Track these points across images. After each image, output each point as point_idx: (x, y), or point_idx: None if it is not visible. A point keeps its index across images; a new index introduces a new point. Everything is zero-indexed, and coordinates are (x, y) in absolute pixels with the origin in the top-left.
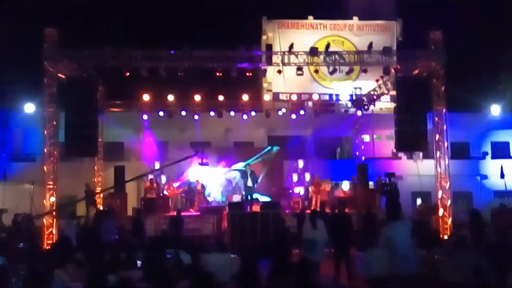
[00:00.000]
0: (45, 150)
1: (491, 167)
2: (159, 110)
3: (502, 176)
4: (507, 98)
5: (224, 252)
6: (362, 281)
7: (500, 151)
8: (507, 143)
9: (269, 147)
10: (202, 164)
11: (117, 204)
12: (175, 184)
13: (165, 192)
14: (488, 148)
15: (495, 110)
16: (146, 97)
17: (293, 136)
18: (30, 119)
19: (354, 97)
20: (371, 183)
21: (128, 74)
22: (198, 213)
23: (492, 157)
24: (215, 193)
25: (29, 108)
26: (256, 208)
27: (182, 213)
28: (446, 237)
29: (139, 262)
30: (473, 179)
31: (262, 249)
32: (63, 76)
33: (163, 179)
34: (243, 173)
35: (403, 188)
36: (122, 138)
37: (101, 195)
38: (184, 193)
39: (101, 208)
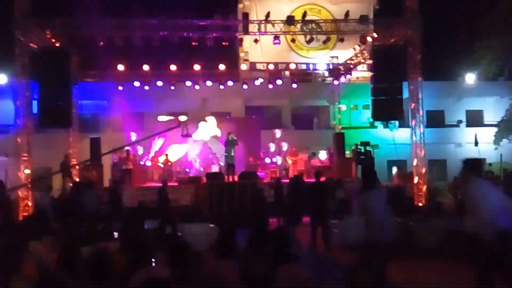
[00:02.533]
0: (18, 121)
1: (465, 135)
2: (135, 80)
3: (476, 144)
4: (482, 67)
5: (203, 222)
6: (339, 249)
7: (474, 119)
8: (481, 111)
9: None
10: (186, 135)
11: (94, 175)
12: (161, 158)
13: (148, 163)
14: (463, 116)
15: (470, 78)
16: (120, 67)
17: (270, 106)
18: (2, 90)
19: (331, 67)
20: (348, 152)
21: (101, 43)
22: (176, 184)
23: (467, 125)
24: (192, 164)
25: (1, 79)
26: (233, 178)
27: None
28: (420, 204)
29: (116, 233)
30: (448, 147)
31: (240, 219)
32: (35, 46)
33: (140, 150)
34: (229, 142)
35: (379, 157)
36: (97, 109)
37: (77, 167)
38: (163, 164)
39: (78, 180)
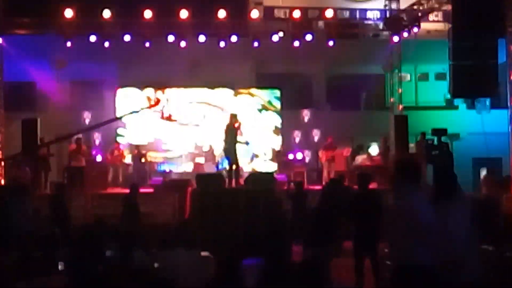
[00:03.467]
0: None
1: None
2: (89, 33)
3: None
4: None
5: (191, 248)
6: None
7: None
8: None
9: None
10: (167, 119)
11: (28, 176)
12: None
13: (99, 158)
14: None
15: None
16: (69, 13)
17: (294, 74)
18: None
19: (388, 15)
20: (412, 145)
21: None
22: (151, 190)
23: None
24: (176, 159)
25: None
26: (238, 182)
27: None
28: None
29: (61, 264)
30: None
31: (248, 244)
32: None
33: (97, 139)
34: (229, 128)
35: (460, 153)
36: (34, 76)
37: (2, 164)
38: (132, 160)
39: (3, 183)
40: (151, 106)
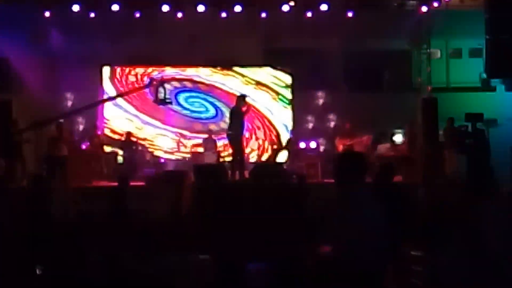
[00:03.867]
0: None
1: None
2: (72, 2)
3: None
4: None
5: (188, 250)
6: None
7: None
8: None
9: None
10: (162, 101)
11: (2, 167)
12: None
13: (84, 146)
14: None
15: None
16: None
17: (307, 49)
18: None
19: None
20: (442, 132)
21: None
22: (142, 183)
23: None
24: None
25: None
26: (242, 174)
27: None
28: None
29: (39, 268)
30: None
31: (254, 246)
32: None
33: (81, 125)
34: (236, 111)
35: (497, 141)
36: (8, 51)
37: None
38: (120, 149)
39: None
40: (143, 87)
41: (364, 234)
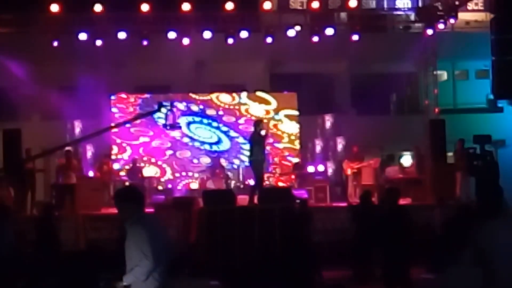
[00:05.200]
0: None
1: None
2: (79, 30)
3: None
4: None
5: (198, 276)
6: None
7: None
8: None
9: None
10: (171, 127)
11: (10, 195)
12: (116, 166)
13: (90, 173)
14: None
15: None
16: (55, 8)
17: (314, 73)
18: None
19: (420, 4)
20: (450, 154)
21: None
22: (152, 210)
23: None
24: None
25: None
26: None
27: None
28: None
29: None
30: None
31: (263, 270)
32: None
33: (89, 152)
34: (256, 137)
35: (506, 162)
36: (17, 80)
37: None
38: (127, 176)
39: None
40: (153, 112)
41: None
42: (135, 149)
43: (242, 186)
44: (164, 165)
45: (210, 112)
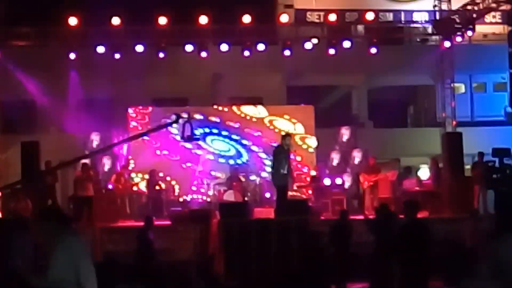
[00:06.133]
0: None
1: None
2: (97, 43)
3: None
4: None
5: None
6: None
7: None
8: None
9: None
10: (189, 138)
11: (28, 207)
12: (135, 177)
13: (110, 186)
14: None
15: None
16: (73, 21)
17: (330, 86)
18: None
19: (437, 17)
20: (468, 167)
21: None
22: (169, 223)
23: None
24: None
25: None
26: (268, 212)
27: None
28: None
29: None
30: None
31: (280, 283)
32: None
33: (107, 164)
34: (281, 151)
35: None
36: (34, 93)
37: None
38: (146, 188)
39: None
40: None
41: None
42: (152, 162)
43: (259, 198)
44: (181, 178)
45: (231, 124)
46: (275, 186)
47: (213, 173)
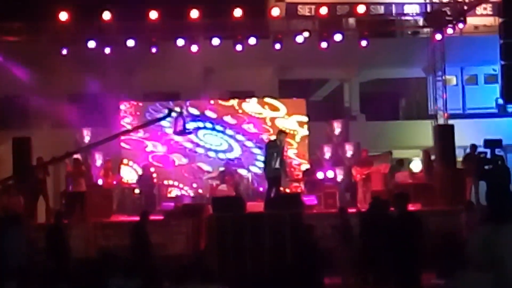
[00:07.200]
0: None
1: None
2: (88, 38)
3: None
4: None
5: (208, 283)
6: None
7: None
8: None
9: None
10: (181, 132)
11: (20, 203)
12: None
13: (100, 181)
14: None
15: None
16: (63, 16)
17: (322, 79)
18: None
19: (428, 9)
20: (460, 159)
21: None
22: (161, 217)
23: None
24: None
25: None
26: (260, 206)
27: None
28: None
29: None
30: None
31: (273, 278)
32: None
33: (98, 159)
34: (273, 146)
35: None
36: (26, 88)
37: None
38: (138, 183)
39: None
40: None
41: None
42: (144, 156)
43: (251, 192)
44: (173, 172)
45: (228, 119)
46: (266, 179)
47: (205, 167)
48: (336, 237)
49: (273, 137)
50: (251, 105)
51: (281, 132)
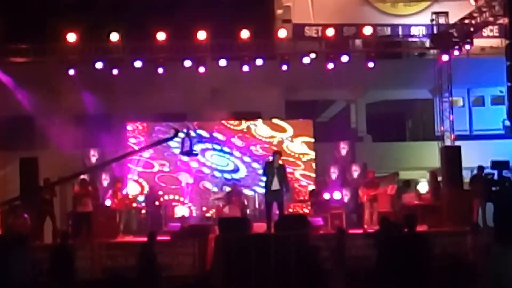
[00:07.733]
0: None
1: None
2: (95, 59)
3: None
4: None
5: None
6: None
7: None
8: None
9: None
10: (188, 153)
11: (27, 224)
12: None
13: (108, 202)
14: None
15: None
16: (71, 38)
17: (329, 101)
18: None
19: (435, 31)
20: (467, 180)
21: None
22: (168, 238)
23: None
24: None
25: None
26: (265, 227)
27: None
28: None
29: None
30: None
31: None
32: None
33: (105, 180)
34: (271, 168)
35: None
36: (33, 109)
37: None
38: (145, 203)
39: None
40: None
41: None
42: (151, 177)
43: (257, 213)
44: (180, 190)
45: (235, 141)
46: (265, 201)
47: (211, 188)
48: (331, 259)
49: (271, 158)
50: (260, 128)
51: (275, 153)
